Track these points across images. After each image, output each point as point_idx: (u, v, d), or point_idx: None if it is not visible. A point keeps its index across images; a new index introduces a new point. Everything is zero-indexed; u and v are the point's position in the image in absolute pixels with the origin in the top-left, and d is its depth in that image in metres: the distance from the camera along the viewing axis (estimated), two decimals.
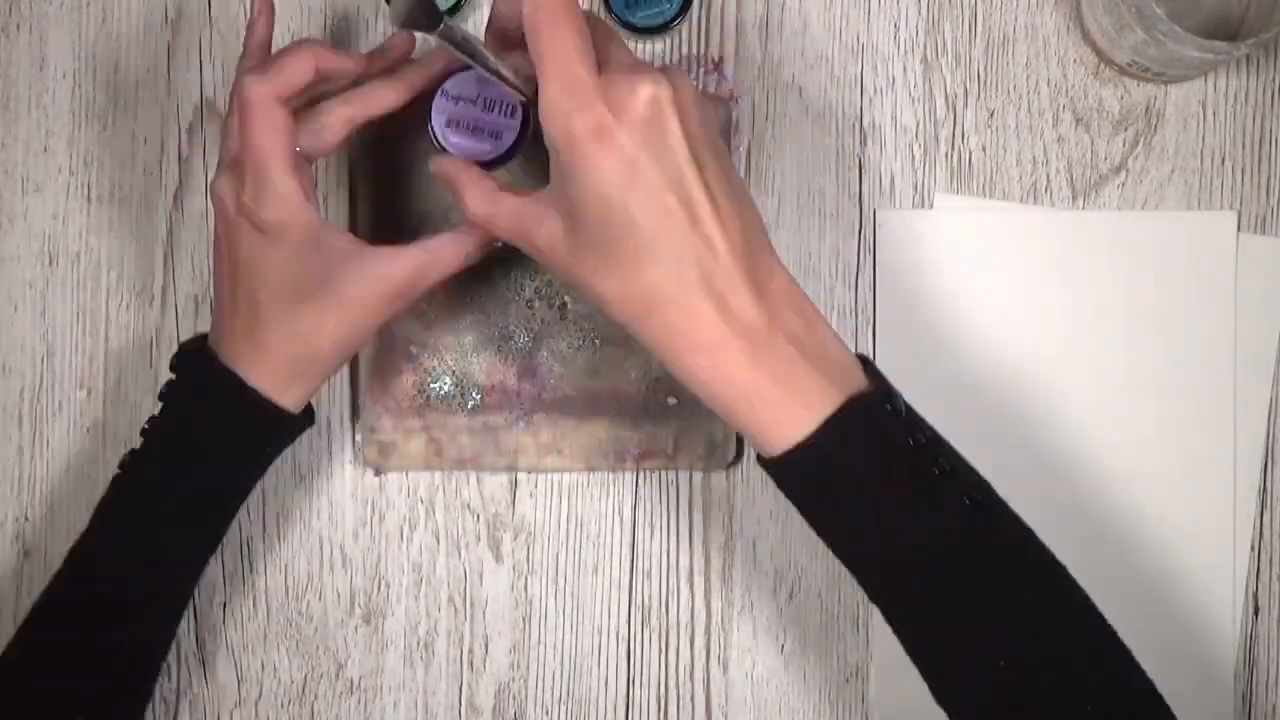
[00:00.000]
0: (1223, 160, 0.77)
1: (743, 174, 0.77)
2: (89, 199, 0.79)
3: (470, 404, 0.77)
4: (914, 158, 0.78)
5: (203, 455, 0.67)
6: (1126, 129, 0.77)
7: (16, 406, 0.79)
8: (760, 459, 0.60)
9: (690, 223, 0.57)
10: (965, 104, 0.78)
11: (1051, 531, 0.76)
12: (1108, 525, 0.76)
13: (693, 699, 0.78)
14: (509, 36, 0.63)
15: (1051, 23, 0.78)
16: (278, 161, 0.63)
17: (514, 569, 0.78)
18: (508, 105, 0.67)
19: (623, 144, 0.56)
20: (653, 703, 0.78)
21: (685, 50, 0.78)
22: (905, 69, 0.78)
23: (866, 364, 0.61)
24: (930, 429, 0.60)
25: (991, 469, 0.76)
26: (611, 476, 0.78)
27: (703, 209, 0.57)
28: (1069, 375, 0.77)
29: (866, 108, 0.78)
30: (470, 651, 0.78)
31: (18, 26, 0.79)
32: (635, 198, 0.56)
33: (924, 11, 0.78)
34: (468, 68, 0.66)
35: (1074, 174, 0.77)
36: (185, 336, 0.78)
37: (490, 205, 0.63)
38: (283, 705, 0.79)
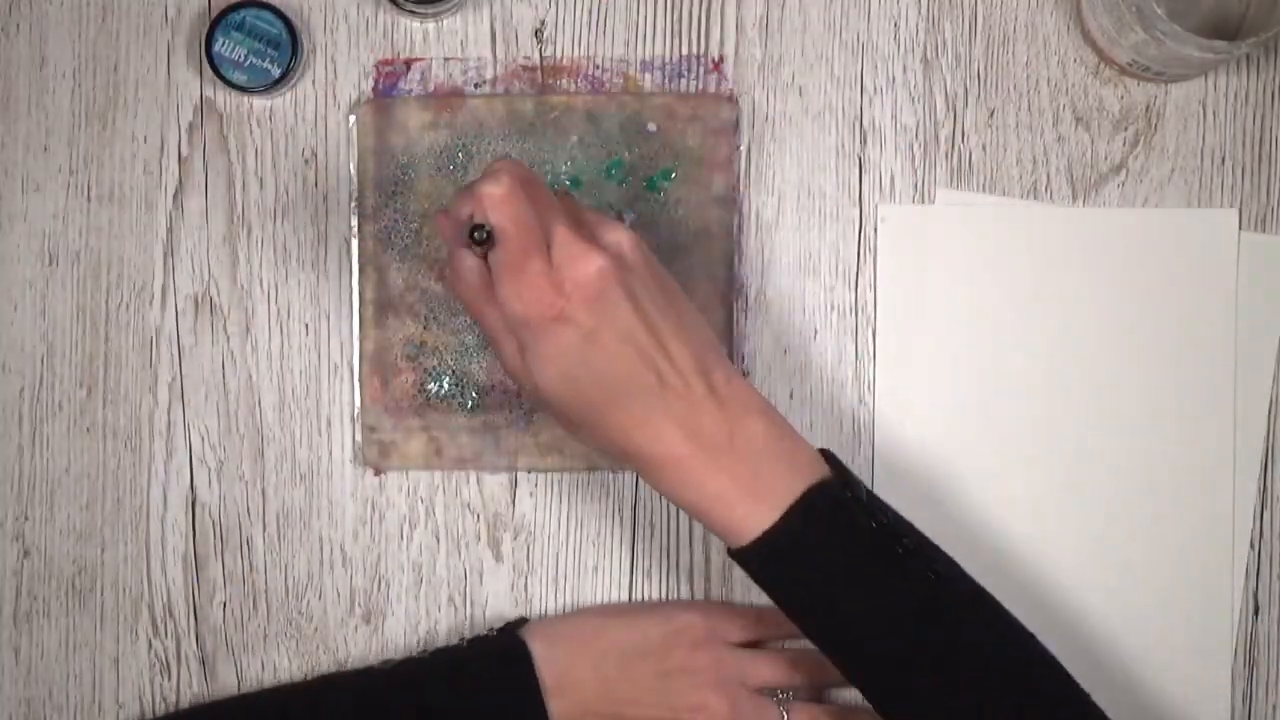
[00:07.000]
0: (1223, 159, 0.77)
1: (742, 174, 0.78)
2: (89, 199, 0.79)
3: (470, 404, 0.77)
4: (914, 157, 0.78)
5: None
6: (1126, 128, 0.77)
7: (16, 406, 0.79)
8: (730, 551, 0.63)
9: (643, 364, 0.61)
10: (965, 103, 0.78)
11: (1050, 530, 0.76)
12: (1107, 524, 0.76)
13: None
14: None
15: (1051, 22, 0.78)
16: None
17: (514, 569, 0.78)
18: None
19: (580, 321, 0.60)
20: None
21: (685, 50, 0.78)
22: (905, 68, 0.78)
23: (829, 456, 0.64)
24: (891, 510, 0.64)
25: (992, 467, 0.77)
26: (611, 476, 0.78)
27: (654, 350, 0.61)
28: (1069, 374, 0.77)
29: (866, 107, 0.78)
30: None
31: (18, 26, 0.79)
32: (595, 357, 0.61)
33: (924, 11, 0.78)
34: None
35: (1074, 173, 0.77)
36: (185, 336, 0.78)
37: (471, 293, 0.64)
38: None
